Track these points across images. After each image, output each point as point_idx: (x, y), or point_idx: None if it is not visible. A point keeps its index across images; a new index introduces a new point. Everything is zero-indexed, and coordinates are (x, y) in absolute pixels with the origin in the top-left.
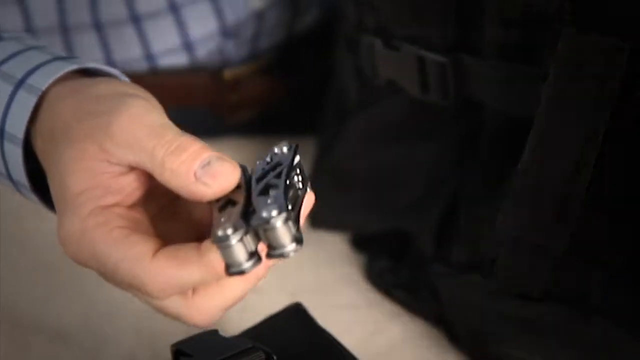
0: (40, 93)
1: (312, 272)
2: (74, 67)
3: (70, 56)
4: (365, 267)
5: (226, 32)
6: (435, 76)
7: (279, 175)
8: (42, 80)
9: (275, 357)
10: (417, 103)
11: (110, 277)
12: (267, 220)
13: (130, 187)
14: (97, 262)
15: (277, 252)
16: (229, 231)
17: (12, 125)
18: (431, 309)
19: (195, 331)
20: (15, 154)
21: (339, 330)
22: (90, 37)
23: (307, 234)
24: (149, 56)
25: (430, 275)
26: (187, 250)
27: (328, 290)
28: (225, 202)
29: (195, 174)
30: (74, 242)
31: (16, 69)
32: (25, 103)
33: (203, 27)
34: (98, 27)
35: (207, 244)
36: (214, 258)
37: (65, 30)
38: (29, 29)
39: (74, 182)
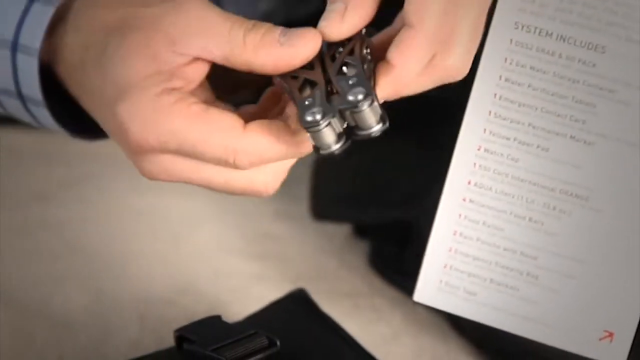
0: (57, 4)
1: (314, 259)
2: None
3: None
4: (368, 254)
5: None
6: None
7: (352, 52)
8: None
9: (278, 343)
10: (418, 95)
11: (186, 154)
12: (355, 105)
13: (190, 78)
14: (173, 138)
15: (365, 132)
16: (318, 116)
17: (27, 36)
18: None
19: (197, 317)
20: (30, 65)
21: (341, 318)
22: None
23: (309, 221)
24: None
25: None
26: (278, 126)
27: (330, 277)
28: (303, 82)
29: (279, 42)
30: (144, 119)
31: None
32: (42, 14)
33: None
34: None
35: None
36: (306, 138)
37: None
38: None
39: (139, 65)
